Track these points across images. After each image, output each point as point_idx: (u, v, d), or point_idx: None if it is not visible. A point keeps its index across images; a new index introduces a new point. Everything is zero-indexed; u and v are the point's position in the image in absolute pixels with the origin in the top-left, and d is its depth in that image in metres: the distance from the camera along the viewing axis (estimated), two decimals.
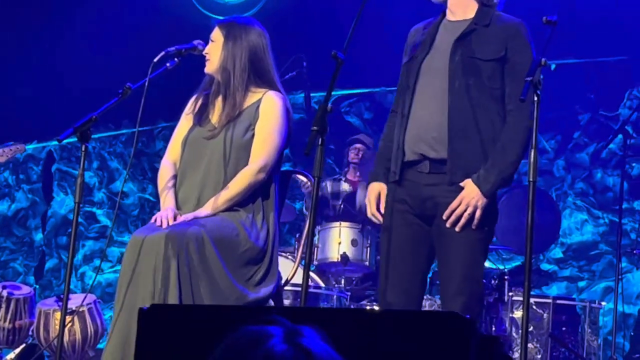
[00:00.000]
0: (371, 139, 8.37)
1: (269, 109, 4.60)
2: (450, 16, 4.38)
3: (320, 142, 3.80)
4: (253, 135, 4.56)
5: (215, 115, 4.65)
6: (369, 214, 4.42)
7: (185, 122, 4.74)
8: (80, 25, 9.36)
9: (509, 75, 4.19)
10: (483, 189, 4.11)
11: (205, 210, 4.43)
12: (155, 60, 4.34)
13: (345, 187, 8.29)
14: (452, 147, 4.16)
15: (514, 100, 4.13)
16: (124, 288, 4.22)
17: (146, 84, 4.31)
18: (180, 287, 4.17)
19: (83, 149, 4.12)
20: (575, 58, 9.07)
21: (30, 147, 9.88)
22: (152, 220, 4.41)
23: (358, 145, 8.34)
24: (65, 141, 4.37)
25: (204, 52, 4.67)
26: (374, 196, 4.38)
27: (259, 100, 4.62)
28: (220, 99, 4.67)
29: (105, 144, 9.93)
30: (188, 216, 4.40)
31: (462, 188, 4.14)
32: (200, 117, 4.67)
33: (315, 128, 3.80)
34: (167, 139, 9.78)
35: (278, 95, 4.66)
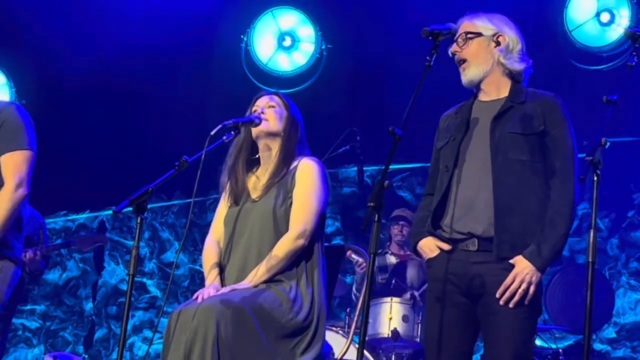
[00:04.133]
0: (413, 214, 8.34)
1: (306, 175, 4.61)
2: (483, 97, 4.40)
3: (376, 219, 3.78)
4: (291, 203, 4.57)
5: (254, 188, 4.68)
6: (431, 248, 4.32)
7: (224, 200, 4.78)
8: (137, 97, 9.45)
9: (550, 149, 4.21)
10: (537, 264, 4.07)
11: (246, 282, 4.42)
12: (212, 133, 4.34)
13: (392, 259, 8.25)
14: (499, 223, 4.13)
15: (558, 174, 4.16)
16: None
17: (202, 156, 4.30)
18: (219, 357, 4.13)
19: (139, 221, 4.12)
20: (630, 136, 9.01)
21: (83, 216, 9.96)
22: (194, 298, 4.40)
23: (402, 222, 8.32)
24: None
25: (260, 113, 4.69)
26: (432, 244, 4.31)
27: (295, 168, 4.64)
28: (259, 172, 4.72)
29: (157, 214, 9.99)
30: (226, 289, 4.39)
31: (510, 265, 4.10)
32: (237, 192, 4.70)
33: (371, 204, 3.78)
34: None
35: (314, 160, 4.69)
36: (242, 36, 9.57)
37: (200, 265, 9.82)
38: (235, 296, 4.28)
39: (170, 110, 9.47)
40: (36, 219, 7.06)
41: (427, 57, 4.07)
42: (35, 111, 5.37)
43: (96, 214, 10.17)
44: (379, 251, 8.32)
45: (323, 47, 9.48)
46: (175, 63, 9.49)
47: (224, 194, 4.80)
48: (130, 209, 4.14)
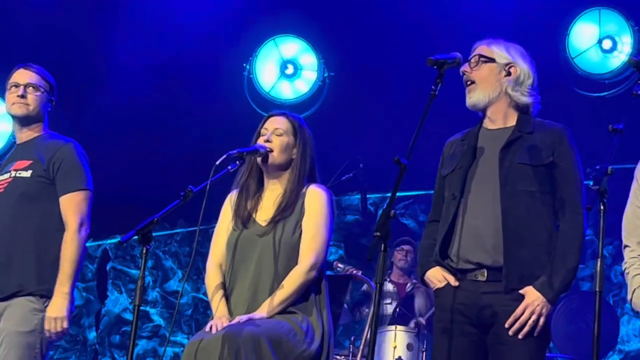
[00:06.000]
0: (417, 242, 8.34)
1: (315, 204, 4.59)
2: (489, 124, 4.40)
3: (382, 248, 3.77)
4: (301, 232, 4.55)
5: (262, 214, 4.64)
6: (438, 278, 4.30)
7: (225, 223, 4.75)
8: (140, 127, 9.46)
9: (559, 181, 4.23)
10: (547, 296, 4.08)
11: (260, 312, 4.39)
12: (217, 163, 4.33)
13: (389, 287, 8.23)
14: (508, 254, 4.13)
15: (567, 205, 4.19)
16: None
17: (208, 186, 4.30)
18: None
19: (144, 251, 4.12)
20: (632, 163, 9.00)
21: (86, 245, 9.94)
22: (207, 329, 4.38)
23: (406, 247, 8.30)
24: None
25: (265, 141, 4.66)
26: (440, 274, 4.29)
27: (303, 195, 4.61)
28: (266, 195, 4.68)
29: (161, 243, 9.98)
30: (243, 317, 4.36)
31: (520, 295, 4.10)
32: (243, 218, 4.66)
33: (378, 234, 3.77)
34: None
35: (321, 188, 4.67)
36: (244, 64, 9.58)
37: (204, 294, 9.82)
38: (253, 327, 4.26)
39: (174, 139, 9.47)
40: None
41: (432, 87, 4.06)
42: None
43: (99, 242, 10.16)
44: (353, 276, 8.29)
45: (325, 74, 9.49)
46: (177, 91, 9.50)
47: (222, 215, 4.77)
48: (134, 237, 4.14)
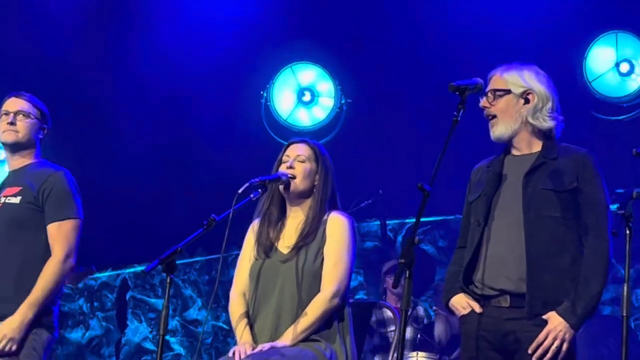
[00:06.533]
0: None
1: (337, 231, 4.59)
2: (514, 151, 4.41)
3: (407, 275, 3.76)
4: (323, 259, 4.54)
5: (284, 242, 4.64)
6: (463, 305, 4.29)
7: (248, 251, 4.74)
8: (158, 155, 9.47)
9: (583, 206, 4.21)
10: (571, 321, 4.07)
11: (284, 340, 4.38)
12: (240, 191, 4.34)
13: (388, 313, 8.19)
14: (531, 280, 4.12)
15: (591, 231, 4.16)
16: None
17: (230, 215, 4.30)
18: None
19: (168, 281, 4.12)
20: None
21: (105, 274, 9.95)
22: (230, 354, 4.37)
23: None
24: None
25: (288, 167, 4.66)
26: (464, 301, 4.28)
27: (325, 222, 4.61)
28: (288, 223, 4.68)
29: (180, 271, 9.95)
30: (265, 346, 4.35)
31: (544, 321, 4.08)
32: (266, 246, 4.66)
33: (402, 261, 3.76)
34: None
35: (343, 215, 4.67)
36: (261, 92, 9.60)
37: (224, 322, 9.81)
38: (277, 355, 4.26)
39: (193, 168, 9.49)
40: None
41: (454, 113, 4.06)
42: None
43: (118, 272, 10.17)
44: (375, 303, 8.27)
45: (343, 101, 9.50)
46: (195, 121, 9.52)
47: (246, 244, 4.77)
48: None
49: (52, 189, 4.89)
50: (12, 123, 5.03)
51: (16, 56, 9.04)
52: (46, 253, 4.85)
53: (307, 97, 9.62)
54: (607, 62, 8.93)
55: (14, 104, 5.12)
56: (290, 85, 9.65)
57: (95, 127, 9.39)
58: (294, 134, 9.44)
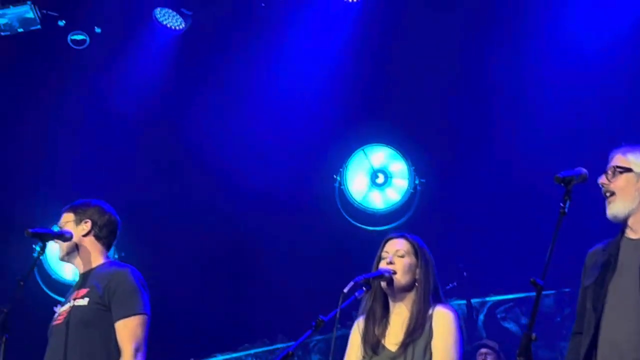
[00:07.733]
0: (495, 343, 8.23)
1: (444, 326, 4.58)
2: (630, 234, 4.36)
3: None
4: (431, 355, 4.52)
5: (390, 339, 4.63)
6: None
7: (354, 350, 4.72)
8: (236, 248, 9.56)
9: None
10: None
11: None
12: (345, 290, 4.37)
13: None
14: None
15: None
16: None
17: (337, 314, 4.31)
18: None
19: None
20: None
21: None
22: None
23: (484, 350, 8.20)
24: None
25: (388, 263, 4.66)
26: None
27: (430, 317, 4.59)
28: (393, 319, 4.67)
29: (261, 359, 9.94)
30: None
31: None
32: (372, 344, 4.64)
33: (521, 358, 3.73)
34: (321, 352, 9.78)
35: (449, 308, 4.67)
36: (335, 175, 9.64)
37: None
38: None
39: (269, 253, 9.53)
40: None
41: (561, 204, 4.04)
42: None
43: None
44: None
45: (417, 182, 9.48)
46: (269, 207, 9.58)
47: (351, 343, 4.76)
48: None
49: (118, 287, 4.92)
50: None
51: None
52: (116, 351, 4.86)
53: (380, 179, 9.62)
54: None
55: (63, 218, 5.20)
56: (364, 167, 9.67)
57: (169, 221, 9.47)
58: (368, 217, 9.48)
